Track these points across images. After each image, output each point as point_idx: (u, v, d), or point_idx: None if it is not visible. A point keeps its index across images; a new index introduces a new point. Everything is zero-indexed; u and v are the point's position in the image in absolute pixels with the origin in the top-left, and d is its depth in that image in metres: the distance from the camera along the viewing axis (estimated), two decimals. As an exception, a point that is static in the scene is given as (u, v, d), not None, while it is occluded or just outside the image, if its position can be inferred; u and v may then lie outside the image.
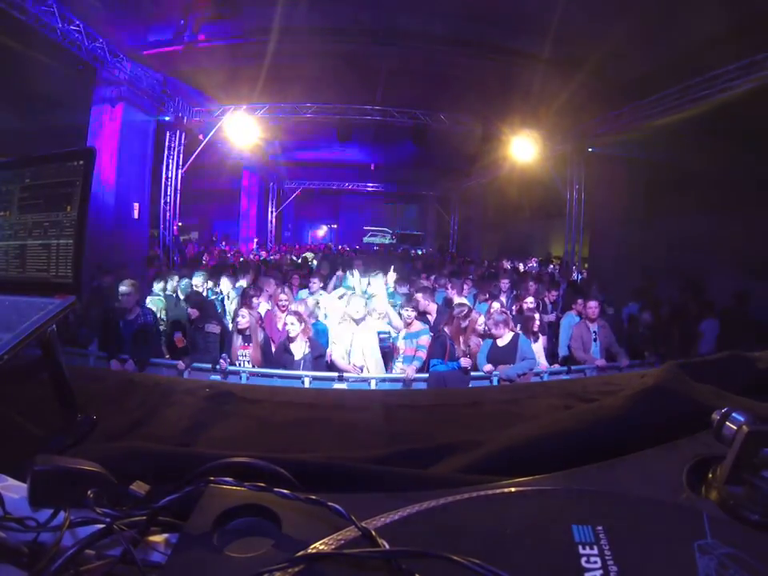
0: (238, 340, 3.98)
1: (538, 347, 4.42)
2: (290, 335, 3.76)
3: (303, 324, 3.79)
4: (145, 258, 8.55)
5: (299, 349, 3.79)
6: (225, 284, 5.41)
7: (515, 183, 12.33)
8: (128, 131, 7.92)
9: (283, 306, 4.38)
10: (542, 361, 4.37)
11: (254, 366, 3.92)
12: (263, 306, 4.68)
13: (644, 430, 0.62)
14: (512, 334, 3.96)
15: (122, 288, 4.10)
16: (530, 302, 4.95)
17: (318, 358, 3.80)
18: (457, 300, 4.85)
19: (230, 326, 4.25)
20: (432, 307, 4.48)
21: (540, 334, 4.51)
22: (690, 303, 5.79)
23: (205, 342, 4.10)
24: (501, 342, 3.91)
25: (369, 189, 18.53)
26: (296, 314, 3.85)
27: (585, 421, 0.68)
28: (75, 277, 0.77)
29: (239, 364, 3.93)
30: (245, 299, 4.49)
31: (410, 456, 0.66)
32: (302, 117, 9.62)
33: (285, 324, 4.16)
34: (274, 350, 4.09)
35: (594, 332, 4.49)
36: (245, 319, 3.92)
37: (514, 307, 5.16)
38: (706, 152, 7.16)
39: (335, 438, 0.84)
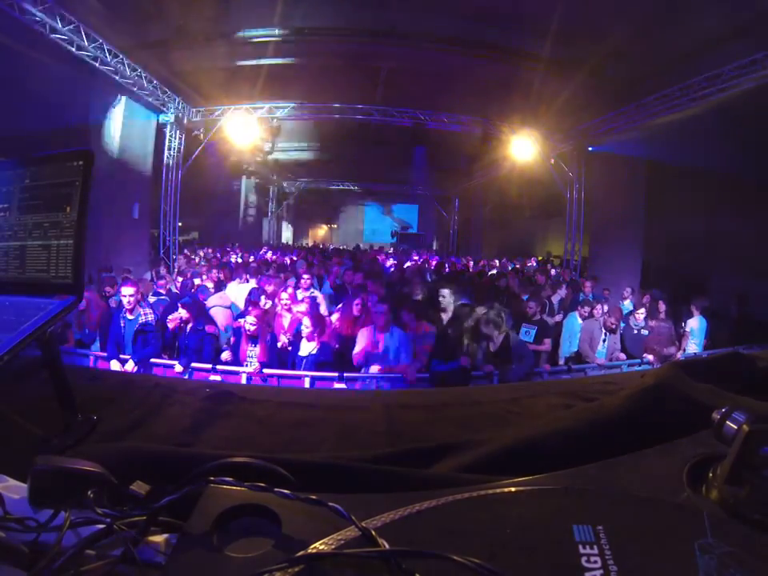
0: (246, 340, 3.99)
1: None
2: (303, 335, 3.84)
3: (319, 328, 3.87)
4: (145, 258, 8.53)
5: (307, 348, 3.84)
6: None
7: (515, 183, 12.32)
8: (128, 131, 7.91)
9: (286, 306, 4.39)
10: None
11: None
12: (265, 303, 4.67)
13: (644, 430, 0.62)
14: (503, 334, 3.90)
15: (124, 288, 4.10)
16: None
17: (322, 364, 3.83)
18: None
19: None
20: (451, 306, 4.46)
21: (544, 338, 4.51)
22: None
23: (201, 343, 4.10)
24: (492, 345, 3.87)
25: (368, 189, 18.50)
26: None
27: (585, 420, 0.68)
28: (75, 277, 0.77)
29: (247, 364, 3.94)
30: (253, 300, 4.49)
31: (410, 456, 0.66)
32: (302, 117, 9.61)
33: (291, 321, 4.17)
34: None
35: (605, 332, 4.50)
36: (254, 319, 3.93)
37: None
38: (707, 152, 7.16)
39: (335, 438, 0.84)
